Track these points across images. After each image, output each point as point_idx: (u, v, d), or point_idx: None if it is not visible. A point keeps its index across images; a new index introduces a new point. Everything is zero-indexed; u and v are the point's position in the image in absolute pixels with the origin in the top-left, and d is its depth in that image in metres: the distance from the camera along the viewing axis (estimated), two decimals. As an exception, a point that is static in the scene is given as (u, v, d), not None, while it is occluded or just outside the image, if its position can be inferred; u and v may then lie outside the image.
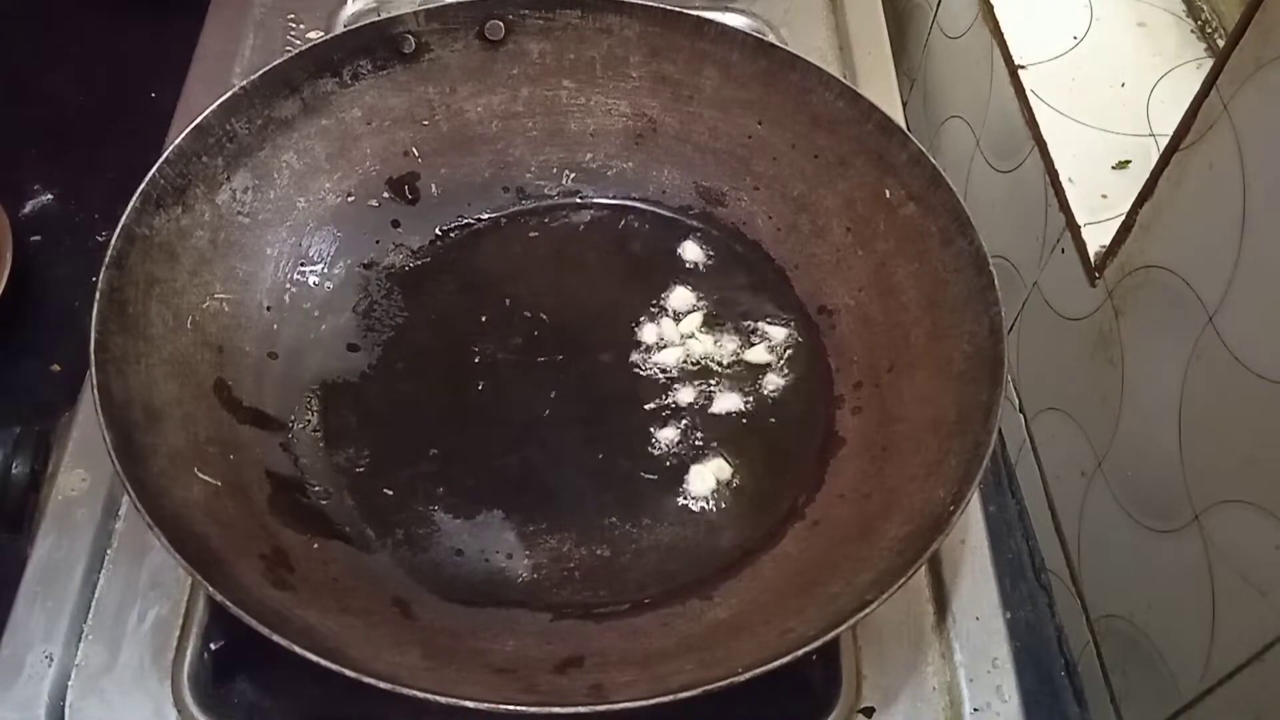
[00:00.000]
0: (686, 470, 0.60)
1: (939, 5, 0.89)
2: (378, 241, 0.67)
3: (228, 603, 0.44)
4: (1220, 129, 0.54)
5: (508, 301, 0.66)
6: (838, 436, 0.61)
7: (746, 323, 0.66)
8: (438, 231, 0.69)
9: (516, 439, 0.61)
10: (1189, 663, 0.56)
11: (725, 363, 0.64)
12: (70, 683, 0.53)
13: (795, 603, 0.51)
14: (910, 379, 0.60)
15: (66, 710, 0.52)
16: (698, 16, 0.66)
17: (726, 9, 0.83)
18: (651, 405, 0.62)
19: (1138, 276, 0.61)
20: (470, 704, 0.43)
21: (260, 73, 0.61)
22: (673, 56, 0.67)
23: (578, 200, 0.71)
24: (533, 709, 0.43)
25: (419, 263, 0.68)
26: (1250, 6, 0.51)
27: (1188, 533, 0.56)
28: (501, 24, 0.66)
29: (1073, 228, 0.67)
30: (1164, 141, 0.58)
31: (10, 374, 0.72)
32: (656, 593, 0.55)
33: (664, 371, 0.64)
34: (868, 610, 0.46)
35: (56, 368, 0.71)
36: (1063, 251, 0.68)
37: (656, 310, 0.66)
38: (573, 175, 0.71)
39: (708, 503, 0.59)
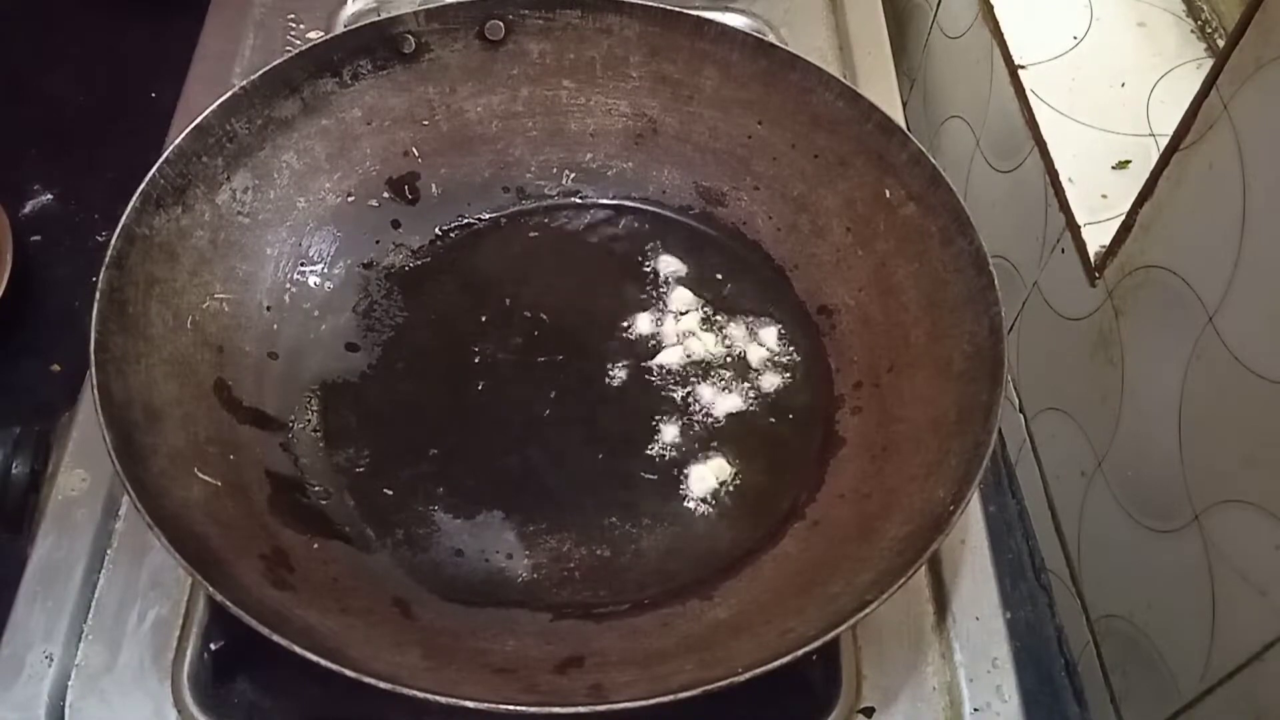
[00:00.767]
0: (686, 470, 0.60)
1: (939, 5, 0.89)
2: (378, 241, 0.67)
3: (228, 603, 0.44)
4: (1220, 129, 0.54)
5: (508, 301, 0.66)
6: (838, 436, 0.61)
7: (746, 322, 0.66)
8: (438, 231, 0.69)
9: (516, 439, 0.61)
10: (1189, 663, 0.56)
11: (725, 362, 0.64)
12: (70, 683, 0.53)
13: (795, 603, 0.51)
14: (910, 379, 0.60)
15: (66, 710, 0.52)
16: (698, 16, 0.66)
17: (726, 9, 0.83)
18: (651, 405, 0.62)
19: (1138, 276, 0.61)
20: (470, 704, 0.43)
21: (260, 73, 0.61)
22: (673, 56, 0.67)
23: (578, 200, 0.71)
24: (533, 709, 0.43)
25: (419, 263, 0.68)
26: (1250, 6, 0.51)
27: (1188, 533, 0.56)
28: (501, 24, 0.66)
29: (1073, 228, 0.67)
30: (1164, 141, 0.58)
31: (10, 374, 0.72)
32: (656, 593, 0.55)
33: (664, 371, 0.64)
34: (868, 610, 0.46)
35: (56, 368, 0.71)
36: (1063, 251, 0.68)
37: (656, 310, 0.66)
38: (573, 175, 0.71)
39: (708, 503, 0.59)
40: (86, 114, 0.87)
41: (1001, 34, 0.77)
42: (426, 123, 0.68)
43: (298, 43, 0.81)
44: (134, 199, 0.55)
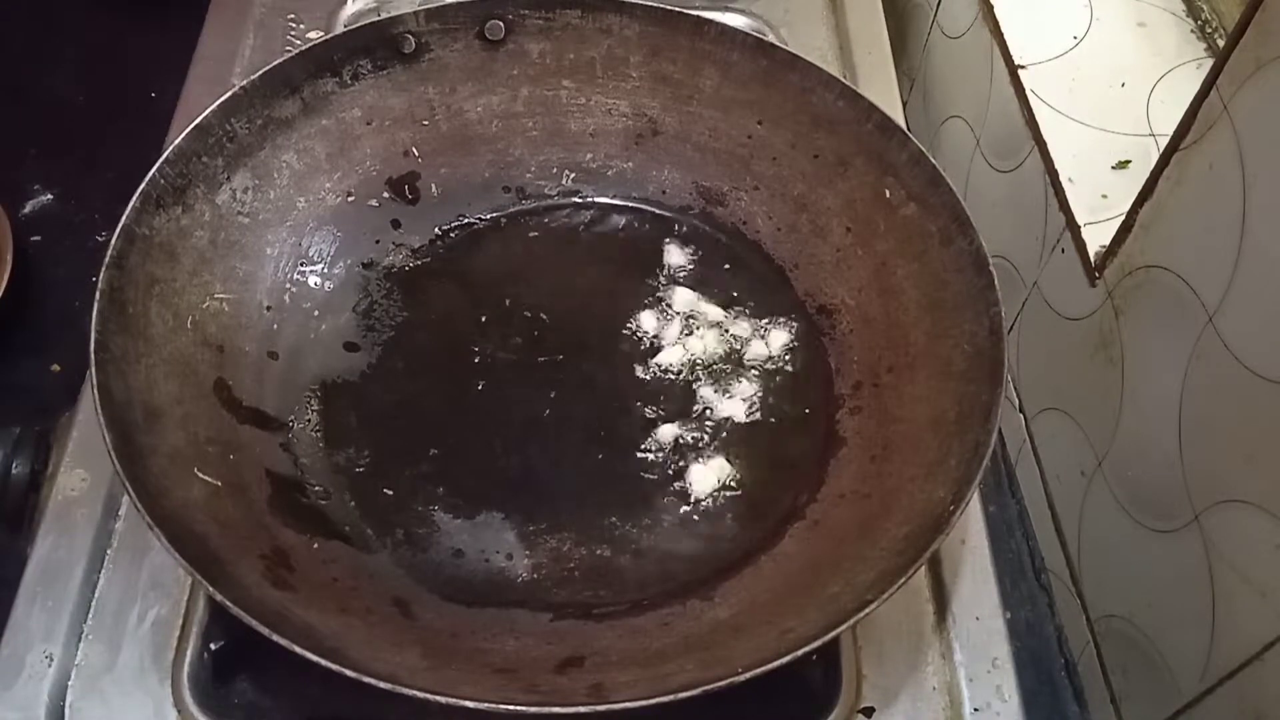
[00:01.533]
0: (687, 470, 0.60)
1: (939, 5, 0.89)
2: (378, 241, 0.67)
3: (228, 603, 0.44)
4: (1220, 129, 0.54)
5: (508, 301, 0.66)
6: (838, 436, 0.61)
7: (746, 322, 0.66)
8: (438, 231, 0.69)
9: (516, 439, 0.61)
10: (1189, 663, 0.56)
11: (725, 362, 0.64)
12: (70, 683, 0.53)
13: (795, 603, 0.51)
14: (910, 379, 0.60)
15: (66, 710, 0.52)
16: (698, 16, 0.66)
17: (726, 9, 0.83)
18: (651, 405, 0.62)
19: (1138, 276, 0.61)
20: (470, 704, 0.43)
21: (260, 73, 0.61)
22: (673, 56, 0.67)
23: (578, 200, 0.71)
24: (533, 709, 0.43)
25: (419, 263, 0.68)
26: (1250, 6, 0.51)
27: (1188, 533, 0.56)
28: (501, 24, 0.66)
29: (1073, 228, 0.67)
30: (1164, 141, 0.58)
31: (10, 374, 0.72)
32: (656, 593, 0.55)
33: (664, 371, 0.64)
34: (868, 610, 0.46)
35: (56, 368, 0.71)
36: (1063, 251, 0.68)
37: (656, 310, 0.66)
38: (573, 175, 0.71)
39: (708, 502, 0.59)
40: (86, 114, 0.87)
41: (1001, 34, 0.77)
42: (426, 123, 0.68)
43: (298, 43, 0.81)
44: (134, 199, 0.55)
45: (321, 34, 0.81)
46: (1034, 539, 0.72)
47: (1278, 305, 0.50)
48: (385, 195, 0.68)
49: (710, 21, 0.66)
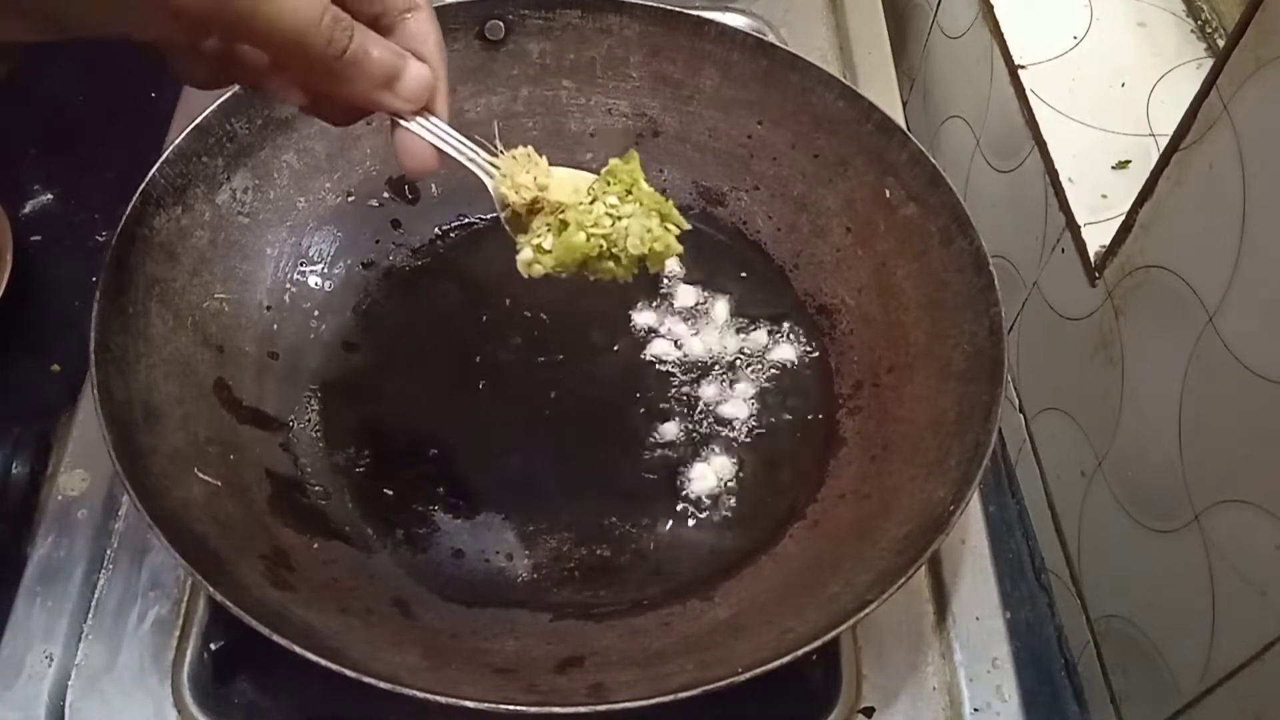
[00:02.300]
0: (687, 470, 0.60)
1: (939, 5, 0.89)
2: (378, 241, 0.67)
3: (228, 603, 0.44)
4: (1220, 129, 0.53)
5: (508, 301, 0.66)
6: (838, 436, 0.61)
7: (746, 322, 0.66)
8: (438, 231, 0.69)
9: (516, 439, 0.61)
10: (1189, 663, 0.56)
11: (725, 362, 0.64)
12: (70, 683, 0.53)
13: (795, 603, 0.51)
14: (910, 379, 0.60)
15: (66, 710, 0.52)
16: (698, 16, 0.66)
17: (726, 9, 0.83)
18: (651, 405, 0.62)
19: (1138, 276, 0.61)
20: (470, 704, 0.43)
21: (260, 73, 0.61)
22: (673, 56, 0.67)
23: (578, 200, 0.71)
24: (533, 709, 0.43)
25: (419, 263, 0.68)
26: (1250, 6, 0.51)
27: (1188, 533, 0.56)
28: (501, 24, 0.66)
29: (1073, 228, 0.67)
30: (1164, 141, 0.58)
31: (10, 374, 0.72)
32: (656, 593, 0.55)
33: (664, 371, 0.64)
34: (868, 610, 0.46)
35: (56, 368, 0.71)
36: (1063, 251, 0.68)
37: (656, 310, 0.66)
38: (573, 175, 0.71)
39: (708, 502, 0.59)
40: (86, 114, 0.87)
41: (1001, 34, 0.77)
42: (426, 123, 0.68)
43: (298, 43, 0.81)
44: (134, 199, 0.56)
45: (321, 34, 0.81)
46: (1034, 539, 0.72)
47: (1278, 305, 0.50)
48: (385, 195, 0.68)
49: (710, 21, 0.66)
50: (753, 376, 0.64)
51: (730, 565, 0.56)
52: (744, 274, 0.68)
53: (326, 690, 0.53)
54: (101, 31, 0.36)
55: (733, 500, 0.59)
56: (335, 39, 0.38)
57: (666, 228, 0.47)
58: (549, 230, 0.46)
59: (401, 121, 0.43)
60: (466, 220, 0.69)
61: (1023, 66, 0.74)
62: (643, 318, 0.66)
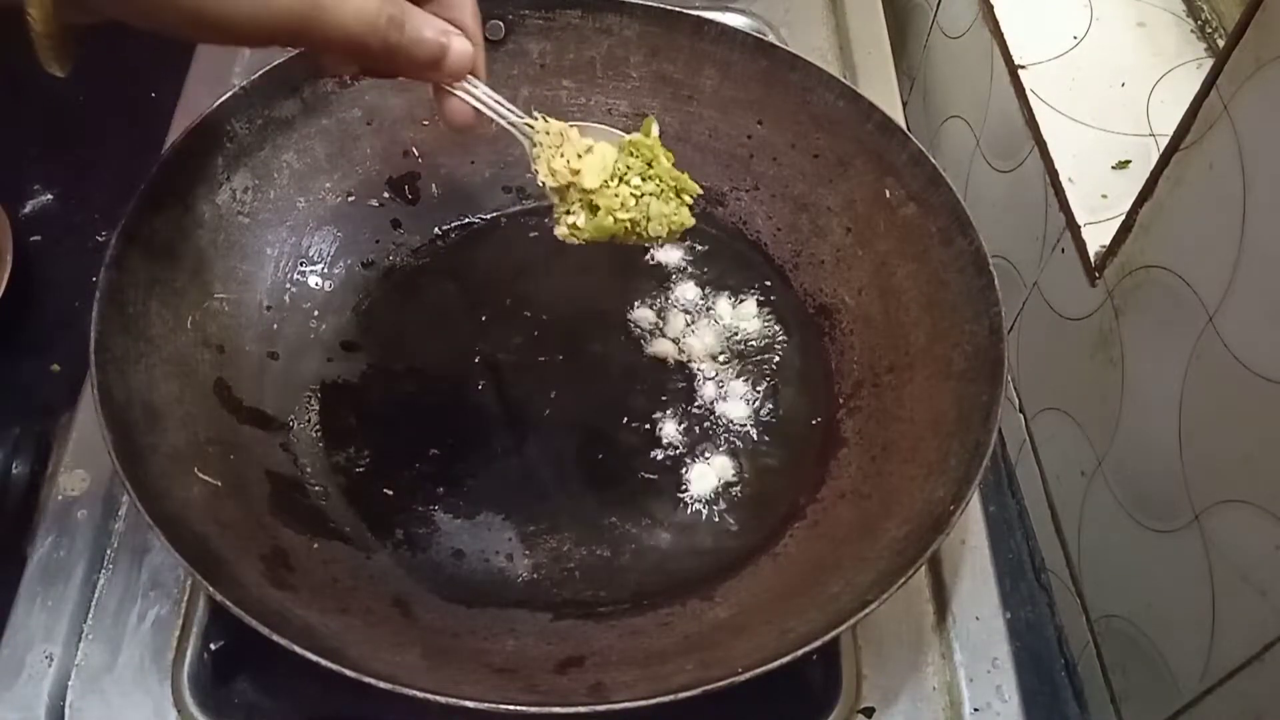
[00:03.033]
0: (687, 470, 0.60)
1: (939, 5, 0.89)
2: (378, 241, 0.67)
3: (228, 603, 0.44)
4: (1220, 129, 0.53)
5: (508, 301, 0.66)
6: (838, 436, 0.61)
7: (746, 322, 0.66)
8: (438, 231, 0.69)
9: (516, 439, 0.61)
10: (1189, 663, 0.56)
11: (725, 362, 0.64)
12: (70, 683, 0.53)
13: (795, 603, 0.51)
14: (910, 379, 0.60)
15: (66, 710, 0.52)
16: (698, 16, 0.66)
17: (726, 9, 0.83)
18: (652, 404, 0.62)
19: (1138, 276, 0.61)
20: (470, 704, 0.43)
21: (260, 73, 0.61)
22: (673, 56, 0.67)
23: (578, 200, 0.71)
24: (533, 709, 0.43)
25: (419, 263, 0.68)
26: (1250, 6, 0.51)
27: (1188, 533, 0.56)
28: (501, 24, 0.66)
29: (1073, 228, 0.67)
30: (1164, 141, 0.58)
31: (10, 374, 0.72)
32: (656, 593, 0.55)
33: (664, 371, 0.64)
34: (868, 610, 0.46)
35: (56, 368, 0.71)
36: (1063, 251, 0.68)
37: (656, 310, 0.66)
38: (573, 175, 0.71)
39: (708, 502, 0.59)
40: (86, 114, 0.87)
41: (1001, 34, 0.77)
42: (426, 123, 0.68)
43: (298, 43, 0.81)
44: (134, 199, 0.55)
45: (321, 34, 0.81)
46: (1034, 539, 0.72)
47: (1278, 305, 0.50)
48: (385, 195, 0.68)
49: (710, 21, 0.66)
50: (752, 376, 0.64)
51: (730, 565, 0.56)
52: (744, 274, 0.68)
53: (326, 690, 0.53)
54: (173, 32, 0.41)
55: (733, 500, 0.59)
56: (389, 37, 0.43)
57: (683, 199, 0.53)
58: (581, 209, 0.52)
59: (444, 87, 0.48)
60: (466, 220, 0.69)
61: (1023, 66, 0.74)
62: (642, 318, 0.66)
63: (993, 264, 0.57)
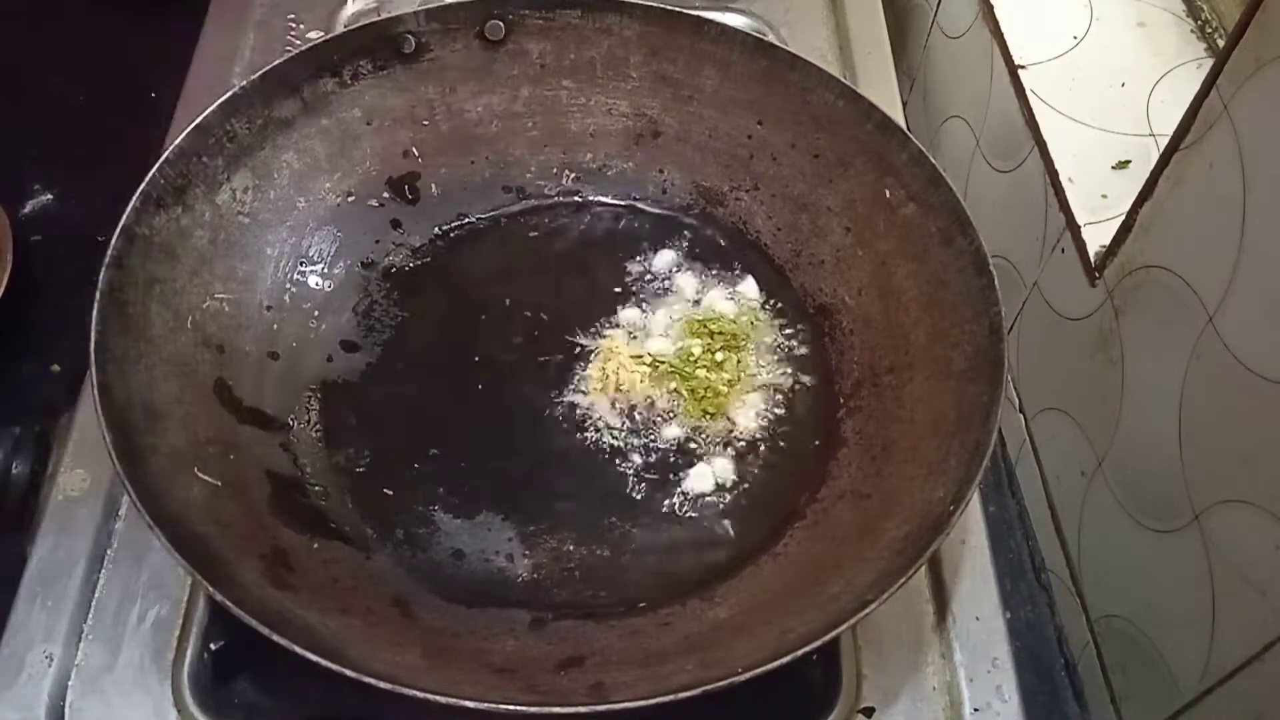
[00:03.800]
0: (687, 470, 0.60)
1: (939, 5, 0.89)
2: (378, 241, 0.67)
3: (228, 603, 0.44)
4: (1220, 129, 0.54)
5: (508, 301, 0.66)
6: (838, 436, 0.61)
7: (746, 322, 0.66)
8: (438, 231, 0.69)
9: (516, 439, 0.61)
10: (1189, 663, 0.56)
11: (725, 362, 0.64)
12: (70, 683, 0.53)
13: (795, 603, 0.51)
14: (910, 379, 0.59)
15: (66, 710, 0.52)
16: (698, 16, 0.66)
17: (726, 9, 0.83)
18: (651, 405, 0.62)
19: (1138, 276, 0.61)
20: (470, 704, 0.43)
21: (260, 73, 0.61)
22: (673, 56, 0.67)
23: (578, 200, 0.71)
24: (533, 709, 0.43)
25: (419, 263, 0.68)
26: (1250, 6, 0.51)
27: (1188, 533, 0.56)
28: (501, 24, 0.66)
29: (1073, 228, 0.67)
30: (1164, 141, 0.58)
31: (10, 374, 0.72)
32: (656, 593, 0.55)
33: (664, 370, 0.64)
34: (868, 610, 0.46)
35: (56, 368, 0.71)
36: (1063, 251, 0.68)
37: (656, 310, 0.66)
38: (573, 175, 0.71)
39: (708, 502, 0.59)
40: (86, 114, 0.87)
41: (1001, 34, 0.77)
42: (426, 123, 0.68)
43: (298, 43, 0.81)
44: (134, 199, 0.55)
45: (321, 34, 0.81)
46: (1034, 539, 0.72)
47: (1278, 305, 0.50)
48: (385, 195, 0.68)
49: (710, 21, 0.66)
50: (752, 377, 0.64)
51: (730, 565, 0.56)
52: (744, 274, 0.68)
53: (326, 690, 0.53)
54: None
55: (732, 500, 0.59)
56: None
57: (705, 407, 0.62)
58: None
59: None
60: (466, 220, 0.69)
61: (1023, 66, 0.74)
62: (641, 319, 0.66)
63: (993, 264, 0.57)
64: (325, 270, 0.65)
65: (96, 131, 0.85)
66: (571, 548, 0.57)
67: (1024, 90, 0.73)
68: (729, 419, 0.62)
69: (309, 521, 0.55)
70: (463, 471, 0.59)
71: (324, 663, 0.43)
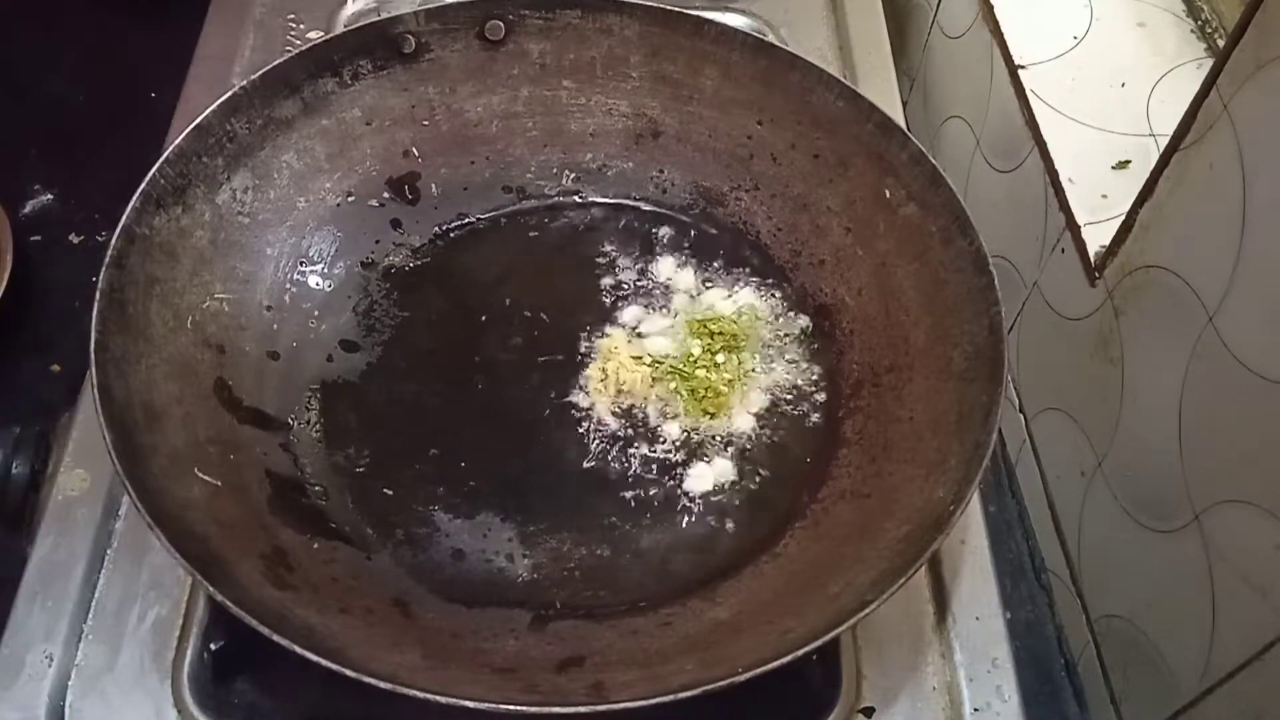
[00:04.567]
0: (687, 470, 0.60)
1: (939, 5, 0.89)
2: (378, 241, 0.67)
3: (228, 603, 0.44)
4: (1220, 129, 0.54)
5: (508, 301, 0.66)
6: (838, 436, 0.61)
7: (746, 322, 0.66)
8: (438, 231, 0.69)
9: (516, 439, 0.61)
10: (1189, 663, 0.56)
11: (724, 362, 0.64)
12: (70, 683, 0.53)
13: (795, 603, 0.51)
14: (910, 379, 0.60)
15: (66, 710, 0.52)
16: (698, 16, 0.66)
17: (726, 9, 0.83)
18: (651, 404, 0.62)
19: (1138, 276, 0.61)
20: (470, 704, 0.43)
21: (260, 73, 0.61)
22: (673, 56, 0.67)
23: (578, 200, 0.71)
24: (533, 709, 0.43)
25: (419, 263, 0.68)
26: (1250, 6, 0.51)
27: (1188, 533, 0.56)
28: (501, 24, 0.66)
29: (1073, 228, 0.67)
30: (1164, 141, 0.58)
31: (10, 374, 0.72)
32: (656, 593, 0.55)
33: (664, 370, 0.64)
34: (868, 610, 0.46)
35: (56, 368, 0.71)
36: (1063, 251, 0.68)
37: (656, 309, 0.66)
38: (573, 175, 0.71)
39: (708, 502, 0.59)
40: (86, 114, 0.87)
41: (1001, 34, 0.77)
42: (426, 123, 0.68)
43: (298, 43, 0.81)
44: (134, 199, 0.55)
45: (321, 34, 0.81)
46: (1034, 539, 0.72)
47: (1278, 305, 0.50)
48: (385, 195, 0.68)
49: (710, 21, 0.66)
50: (752, 376, 0.64)
51: (730, 565, 0.56)
52: (744, 274, 0.68)
53: (326, 690, 0.53)
54: None
55: (732, 500, 0.59)
56: None
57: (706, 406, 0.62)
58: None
59: None
60: (466, 220, 0.69)
61: (1023, 66, 0.74)
62: (642, 318, 0.66)
63: (993, 264, 0.57)
64: (325, 270, 0.65)
65: (96, 131, 0.85)
66: (571, 548, 0.57)
67: (1024, 90, 0.73)
68: (729, 419, 0.62)
69: (309, 521, 0.55)
70: (463, 471, 0.59)
71: (324, 663, 0.43)
